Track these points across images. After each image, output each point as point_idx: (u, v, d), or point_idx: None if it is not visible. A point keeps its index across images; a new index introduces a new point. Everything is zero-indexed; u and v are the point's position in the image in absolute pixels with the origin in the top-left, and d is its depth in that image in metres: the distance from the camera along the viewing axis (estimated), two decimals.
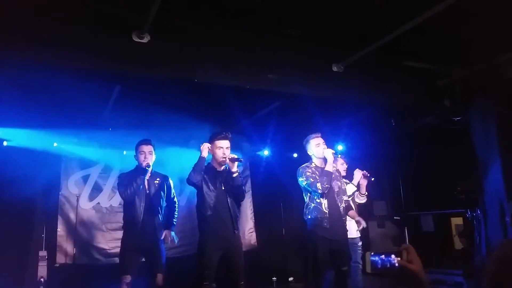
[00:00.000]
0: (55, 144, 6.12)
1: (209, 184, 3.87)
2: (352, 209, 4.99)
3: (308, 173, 4.16)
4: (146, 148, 4.29)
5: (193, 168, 3.86)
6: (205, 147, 3.92)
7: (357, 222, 5.00)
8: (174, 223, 4.50)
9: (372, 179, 4.88)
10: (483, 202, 4.95)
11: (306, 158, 4.47)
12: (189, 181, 3.87)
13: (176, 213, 4.54)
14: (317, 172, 4.17)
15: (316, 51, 4.34)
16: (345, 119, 5.79)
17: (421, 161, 6.60)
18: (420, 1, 3.37)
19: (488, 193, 4.90)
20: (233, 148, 4.07)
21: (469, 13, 3.65)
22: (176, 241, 4.51)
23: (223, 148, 3.90)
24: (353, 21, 3.86)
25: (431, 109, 5.25)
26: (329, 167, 4.16)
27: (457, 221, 6.94)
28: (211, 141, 3.97)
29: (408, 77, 4.81)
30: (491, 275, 1.16)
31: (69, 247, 6.08)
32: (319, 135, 4.31)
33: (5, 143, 5.75)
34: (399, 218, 7.35)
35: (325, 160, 4.23)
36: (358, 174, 4.82)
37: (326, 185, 4.06)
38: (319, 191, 4.05)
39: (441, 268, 6.36)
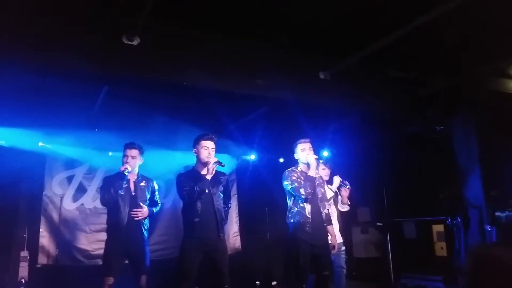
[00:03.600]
0: (40, 144, 6.06)
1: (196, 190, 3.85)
2: (331, 219, 4.89)
3: (293, 177, 4.19)
4: (129, 152, 4.27)
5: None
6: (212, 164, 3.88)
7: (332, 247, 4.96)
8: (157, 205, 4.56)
9: (347, 187, 4.95)
10: (463, 210, 5.07)
11: (292, 163, 4.52)
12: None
13: (158, 208, 4.57)
14: (302, 177, 4.21)
15: (304, 59, 4.42)
16: (330, 125, 5.86)
17: (404, 168, 6.70)
18: (404, 12, 3.47)
19: (468, 200, 5.02)
20: (221, 152, 4.09)
21: (451, 25, 3.76)
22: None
23: (209, 148, 3.90)
24: (340, 30, 3.95)
25: (413, 118, 5.37)
26: (312, 172, 4.20)
27: (438, 228, 7.06)
28: (196, 143, 3.97)
29: (392, 86, 4.92)
30: (468, 277, 1.22)
31: (52, 248, 6.02)
32: (308, 140, 4.34)
33: None
34: (381, 224, 7.44)
35: (309, 165, 4.28)
36: (337, 180, 4.90)
37: (310, 190, 4.10)
38: (303, 196, 4.10)
39: (422, 274, 6.46)
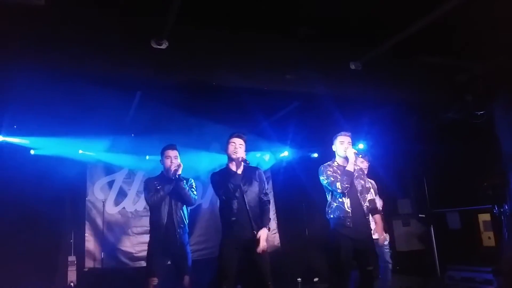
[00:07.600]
0: (80, 151, 6.28)
1: (229, 188, 3.84)
2: (378, 211, 4.76)
3: (329, 172, 4.11)
4: (172, 153, 4.32)
5: None
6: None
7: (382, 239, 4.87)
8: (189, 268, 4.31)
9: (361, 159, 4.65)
10: (511, 197, 4.84)
11: (327, 157, 4.44)
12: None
13: (189, 255, 4.35)
14: (338, 171, 4.11)
15: (333, 50, 4.32)
16: (365, 116, 5.73)
17: (444, 157, 6.48)
18: None
19: None
20: (255, 150, 4.06)
21: (488, 6, 3.59)
22: None
23: (236, 143, 3.87)
24: (369, 18, 3.84)
25: (452, 104, 5.16)
26: (350, 167, 4.10)
27: (484, 217, 6.78)
28: (226, 142, 3.98)
29: (427, 72, 4.74)
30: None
31: (97, 252, 6.23)
32: (348, 134, 4.23)
33: (32, 152, 5.94)
34: (424, 216, 7.23)
35: (347, 159, 4.19)
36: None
37: (346, 185, 4.00)
38: (339, 191, 4.01)
39: (469, 265, 6.23)
